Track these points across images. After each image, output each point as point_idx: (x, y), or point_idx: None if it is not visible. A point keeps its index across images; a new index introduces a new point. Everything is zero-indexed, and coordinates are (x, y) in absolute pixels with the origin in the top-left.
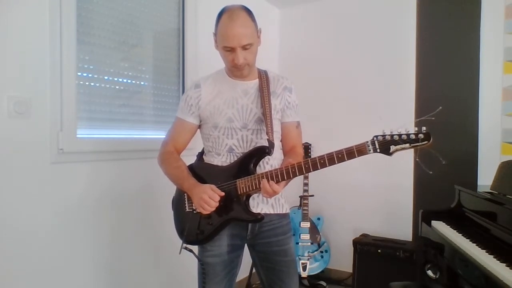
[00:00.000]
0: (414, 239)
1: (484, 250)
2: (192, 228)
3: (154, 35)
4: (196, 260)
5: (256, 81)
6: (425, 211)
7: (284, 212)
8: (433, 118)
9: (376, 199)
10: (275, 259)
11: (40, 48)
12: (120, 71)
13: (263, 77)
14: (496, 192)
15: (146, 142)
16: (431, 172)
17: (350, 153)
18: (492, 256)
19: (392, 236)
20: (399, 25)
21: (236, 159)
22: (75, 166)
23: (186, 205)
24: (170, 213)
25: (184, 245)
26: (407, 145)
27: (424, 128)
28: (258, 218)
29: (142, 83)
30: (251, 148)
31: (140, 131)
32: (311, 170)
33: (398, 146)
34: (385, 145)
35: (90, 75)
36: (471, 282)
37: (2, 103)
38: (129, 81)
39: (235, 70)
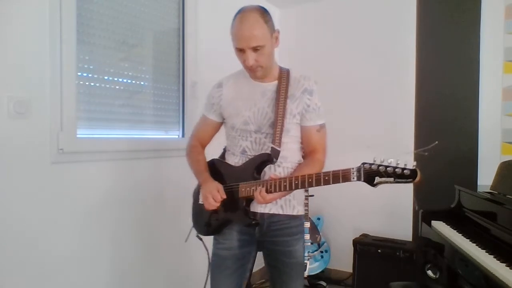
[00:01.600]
0: (414, 239)
1: (484, 250)
2: (203, 220)
3: (154, 35)
4: (205, 255)
5: (275, 83)
6: (425, 211)
7: (294, 213)
8: (426, 153)
9: (376, 199)
10: (280, 259)
11: (40, 48)
12: (120, 71)
13: (284, 79)
14: (496, 192)
15: (146, 142)
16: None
17: (336, 177)
18: (492, 256)
19: (392, 236)
20: (399, 25)
21: (246, 160)
22: (75, 166)
23: (200, 197)
24: (171, 213)
25: (196, 234)
26: (391, 179)
27: (414, 164)
28: (252, 224)
29: (142, 83)
30: (261, 152)
31: (140, 131)
32: (299, 187)
33: (383, 179)
34: (370, 175)
35: (90, 75)
36: (471, 282)
37: (2, 103)
38: (129, 81)
39: (249, 71)
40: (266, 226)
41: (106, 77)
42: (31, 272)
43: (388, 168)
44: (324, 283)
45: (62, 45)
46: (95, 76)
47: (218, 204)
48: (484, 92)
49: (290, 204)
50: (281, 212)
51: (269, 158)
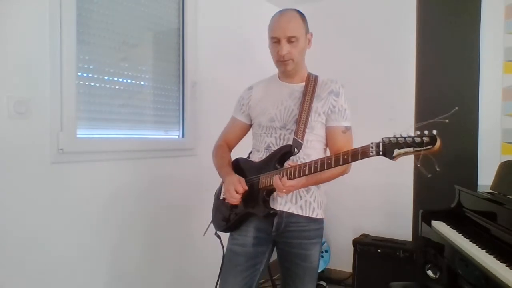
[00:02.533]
0: (414, 239)
1: (484, 250)
2: (222, 215)
3: (154, 35)
4: (214, 255)
5: (302, 84)
6: (425, 211)
7: (314, 216)
8: (446, 121)
9: (376, 199)
10: (294, 261)
11: (40, 48)
12: (120, 71)
13: (311, 81)
14: (496, 192)
15: (146, 142)
16: (429, 175)
17: (354, 155)
18: (492, 256)
19: (392, 236)
20: (399, 25)
21: None
22: (75, 166)
23: (222, 193)
24: (171, 213)
25: (215, 231)
26: (411, 148)
27: (434, 132)
28: (270, 213)
29: (142, 83)
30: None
31: (140, 131)
32: (319, 169)
33: (402, 150)
34: (389, 147)
35: (90, 75)
36: (471, 282)
37: (2, 103)
38: (129, 81)
39: (281, 64)
40: (284, 225)
41: (106, 77)
42: (31, 272)
43: (407, 138)
44: (324, 283)
45: (62, 45)
46: (95, 76)
47: (240, 196)
48: (484, 92)
49: (310, 206)
50: (300, 213)
51: (291, 149)
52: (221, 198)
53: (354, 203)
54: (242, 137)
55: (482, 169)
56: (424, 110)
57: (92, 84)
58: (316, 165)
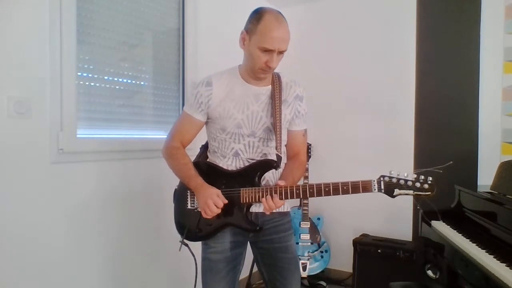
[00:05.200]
0: (414, 239)
1: (484, 250)
2: (192, 226)
3: (154, 35)
4: (199, 257)
5: (268, 87)
6: (425, 211)
7: (284, 210)
8: (440, 171)
9: (376, 199)
10: (277, 256)
11: (40, 48)
12: (120, 71)
13: (276, 83)
14: (496, 192)
15: (146, 142)
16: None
17: (355, 188)
18: (492, 256)
19: (392, 236)
20: (399, 25)
21: (240, 163)
22: (75, 166)
23: (189, 202)
24: (171, 213)
25: (181, 239)
26: (411, 191)
27: (430, 179)
28: (256, 229)
29: (142, 83)
30: (257, 156)
31: (140, 131)
32: (315, 195)
33: (402, 191)
34: (390, 187)
35: (90, 75)
36: (471, 282)
37: (2, 103)
38: (129, 81)
39: (260, 72)
40: (260, 225)
41: (106, 77)
42: (31, 272)
43: (408, 182)
44: (324, 283)
45: (62, 45)
46: (95, 76)
47: (220, 211)
48: (484, 92)
49: None
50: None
51: (275, 165)
52: (190, 208)
53: (354, 203)
54: (197, 134)
55: (482, 169)
56: (424, 110)
57: (92, 84)
58: (311, 190)
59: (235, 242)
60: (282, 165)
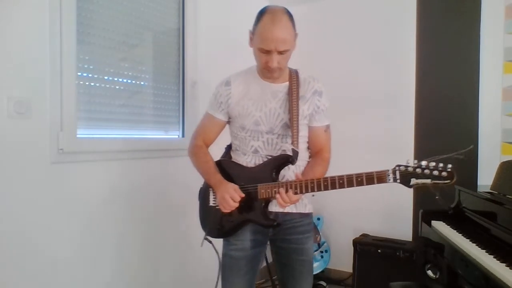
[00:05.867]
0: (414, 239)
1: (484, 250)
2: (214, 222)
3: (154, 35)
4: (208, 254)
5: (286, 84)
6: (425, 211)
7: (306, 211)
8: (462, 157)
9: (376, 199)
10: (291, 257)
11: (40, 48)
12: (120, 71)
13: (294, 79)
14: (496, 192)
15: (146, 142)
16: (451, 206)
17: (370, 179)
18: (492, 256)
19: (392, 236)
20: (399, 25)
21: (259, 160)
22: (75, 166)
23: (211, 199)
24: (171, 213)
25: (205, 236)
26: (429, 180)
27: (449, 166)
28: (274, 225)
29: (142, 83)
30: (275, 152)
31: (140, 131)
32: (329, 188)
33: (419, 180)
34: (406, 176)
35: (90, 75)
36: (471, 282)
37: (2, 103)
38: (129, 81)
39: (266, 72)
40: (277, 221)
41: (106, 77)
42: (31, 272)
43: (425, 170)
44: (324, 283)
45: (62, 45)
46: (95, 76)
47: (237, 205)
48: (484, 92)
49: (303, 203)
50: (294, 211)
51: (290, 159)
52: (212, 205)
53: (354, 203)
54: (220, 133)
55: (482, 169)
56: (424, 110)
57: (92, 84)
58: (326, 183)
59: (255, 241)
60: (301, 162)
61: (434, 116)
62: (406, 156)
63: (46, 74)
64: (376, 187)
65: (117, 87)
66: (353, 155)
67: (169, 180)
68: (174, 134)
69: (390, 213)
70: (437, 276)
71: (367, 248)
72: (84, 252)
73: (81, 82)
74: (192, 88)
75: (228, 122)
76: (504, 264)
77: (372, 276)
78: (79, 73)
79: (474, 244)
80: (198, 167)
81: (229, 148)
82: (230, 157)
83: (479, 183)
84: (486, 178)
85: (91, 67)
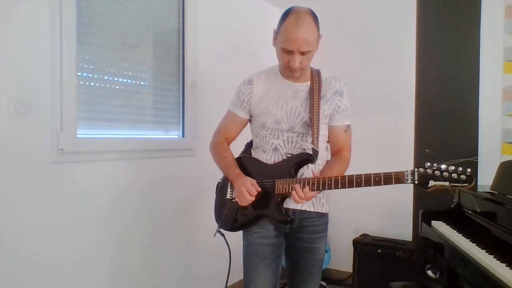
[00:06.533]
0: (414, 239)
1: (484, 250)
2: (229, 215)
3: (154, 35)
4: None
5: (307, 84)
6: (425, 211)
7: (323, 211)
8: (480, 161)
9: (376, 199)
10: (303, 255)
11: (40, 48)
12: (120, 71)
13: (315, 79)
14: (496, 192)
15: (146, 142)
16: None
17: (388, 179)
18: (492, 256)
19: (392, 236)
20: (399, 25)
21: (279, 157)
22: (75, 166)
23: (228, 192)
24: (171, 213)
25: (218, 229)
26: (447, 183)
27: (468, 170)
28: (288, 221)
29: (142, 83)
30: (295, 151)
31: (140, 131)
32: (346, 187)
33: (438, 183)
34: (425, 178)
35: (90, 75)
36: (471, 282)
37: (2, 103)
38: (129, 81)
39: (288, 72)
40: (298, 222)
41: (106, 77)
42: (31, 272)
43: (444, 173)
44: (324, 283)
45: (62, 45)
46: (95, 76)
47: (253, 199)
48: (484, 92)
49: (320, 202)
50: (312, 209)
51: (310, 158)
52: (229, 197)
53: (354, 203)
54: (241, 131)
55: (482, 169)
56: (424, 110)
57: (92, 84)
58: (343, 182)
59: (278, 230)
60: (320, 161)
61: (434, 116)
62: (406, 156)
63: (46, 74)
64: (376, 187)
65: (117, 87)
66: (352, 155)
67: (169, 180)
68: (174, 134)
69: (390, 213)
70: (437, 276)
71: (367, 248)
72: (84, 252)
73: (81, 82)
74: (192, 88)
75: (250, 120)
76: (504, 264)
77: (372, 276)
78: (79, 73)
79: (474, 244)
80: (218, 161)
81: (249, 145)
82: (250, 154)
83: (479, 183)
84: (486, 178)
85: (91, 67)
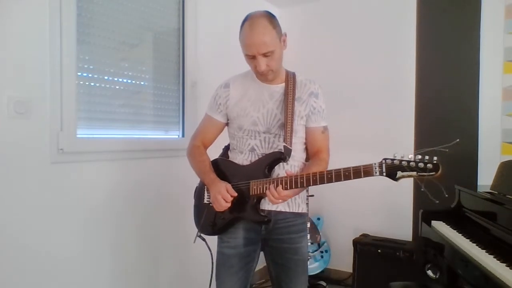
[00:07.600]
0: (414, 239)
1: (484, 250)
2: (207, 219)
3: (154, 35)
4: (209, 253)
5: (282, 85)
6: (425, 211)
7: (299, 211)
8: (446, 150)
9: (376, 199)
10: (285, 256)
11: (40, 48)
12: (120, 71)
13: (290, 81)
14: (496, 192)
15: (146, 142)
16: (437, 202)
17: (357, 172)
18: (492, 256)
19: (392, 236)
20: (399, 25)
21: (255, 158)
22: (75, 166)
23: (205, 197)
24: (171, 213)
25: (199, 233)
26: (414, 173)
27: (435, 158)
28: (265, 221)
29: (142, 83)
30: (271, 151)
31: (140, 131)
32: (318, 183)
33: (405, 173)
34: (392, 169)
35: (90, 75)
36: (471, 282)
37: (2, 103)
38: (129, 81)
39: (259, 76)
40: (273, 223)
41: (106, 77)
42: (31, 272)
43: (411, 163)
44: (324, 283)
45: (62, 45)
46: (95, 76)
47: (229, 205)
48: (484, 92)
49: (295, 202)
50: (287, 210)
51: (282, 156)
52: (206, 202)
53: (354, 203)
54: (219, 135)
55: (482, 169)
56: (424, 110)
57: (92, 84)
58: (315, 178)
59: (248, 239)
60: (296, 162)
61: (434, 116)
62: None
63: (46, 74)
64: (376, 187)
65: (117, 87)
66: (353, 155)
67: (169, 180)
68: (174, 134)
69: (390, 213)
70: (437, 276)
71: (367, 248)
72: (84, 252)
73: (81, 82)
74: (192, 88)
75: (227, 124)
76: (504, 264)
77: (372, 276)
78: (79, 73)
79: (474, 244)
80: (194, 166)
81: (226, 148)
82: (227, 157)
83: (479, 183)
84: (486, 178)
85: (91, 67)
